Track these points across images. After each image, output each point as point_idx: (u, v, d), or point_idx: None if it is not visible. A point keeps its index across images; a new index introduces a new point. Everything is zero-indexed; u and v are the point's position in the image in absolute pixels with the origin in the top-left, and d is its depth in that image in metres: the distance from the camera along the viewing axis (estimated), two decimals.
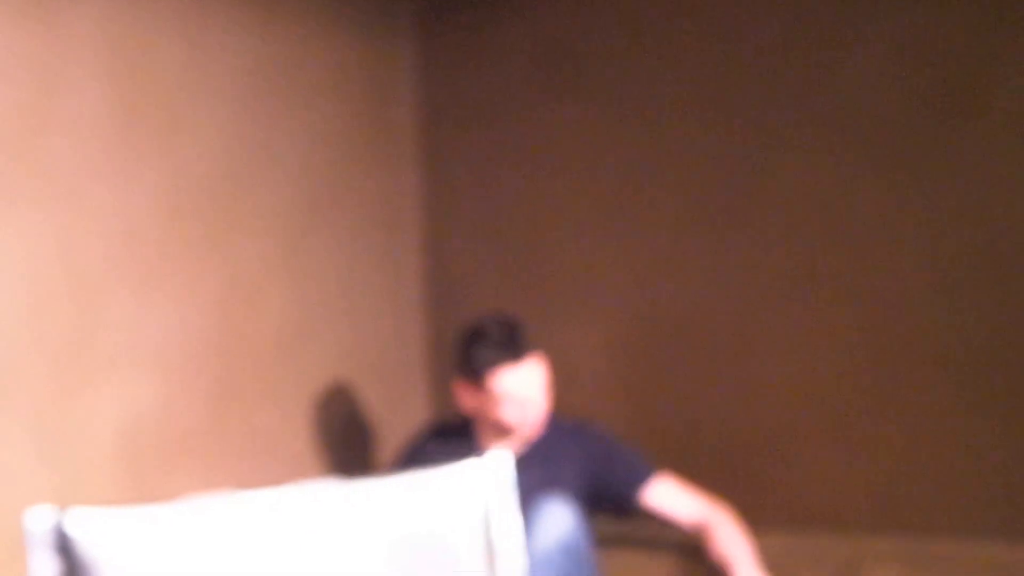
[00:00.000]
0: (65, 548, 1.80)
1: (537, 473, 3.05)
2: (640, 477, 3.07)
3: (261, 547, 1.86)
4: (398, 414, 3.87)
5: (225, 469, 3.18)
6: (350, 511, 1.92)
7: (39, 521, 1.81)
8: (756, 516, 3.44)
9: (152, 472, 2.96)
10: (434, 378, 4.00)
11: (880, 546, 3.20)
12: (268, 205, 3.36)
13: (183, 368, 3.07)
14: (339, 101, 3.65)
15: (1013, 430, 3.18)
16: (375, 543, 1.91)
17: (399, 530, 1.93)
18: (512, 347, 2.98)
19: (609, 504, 3.11)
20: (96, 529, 1.80)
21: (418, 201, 4.01)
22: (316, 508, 1.91)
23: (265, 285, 3.34)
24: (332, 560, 1.89)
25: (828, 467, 3.41)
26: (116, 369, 2.87)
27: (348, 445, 3.67)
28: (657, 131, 3.63)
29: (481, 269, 3.97)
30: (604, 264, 3.76)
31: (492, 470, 2.02)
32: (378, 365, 3.81)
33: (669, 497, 3.06)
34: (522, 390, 2.99)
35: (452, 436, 3.18)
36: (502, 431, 3.07)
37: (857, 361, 3.37)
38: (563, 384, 3.69)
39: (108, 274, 2.87)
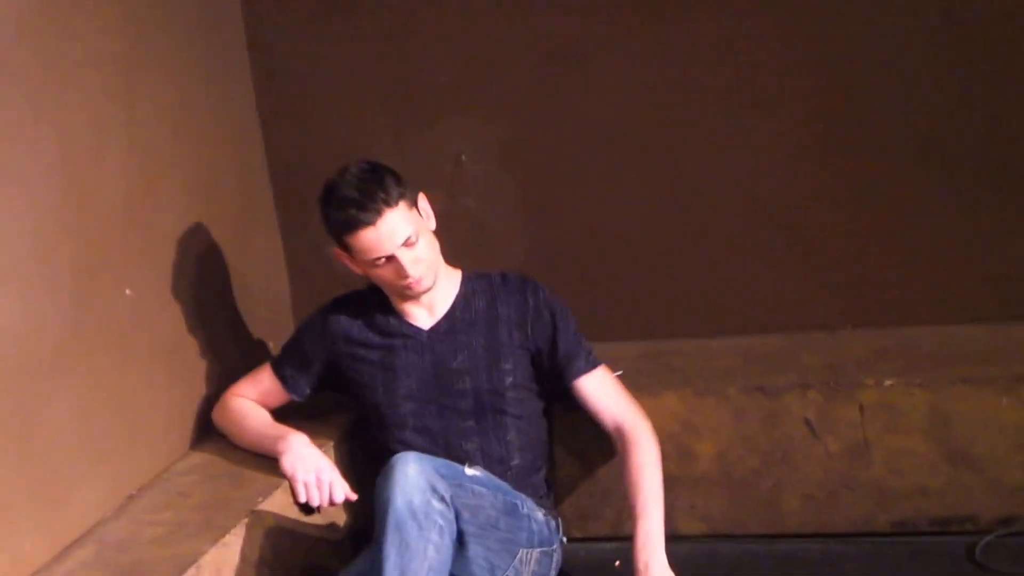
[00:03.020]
0: None
1: (479, 337, 2.75)
2: (581, 366, 2.75)
3: None
4: (253, 256, 3.34)
5: (99, 375, 2.65)
6: None
7: None
8: (710, 324, 3.24)
9: (26, 394, 2.42)
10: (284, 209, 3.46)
11: (860, 345, 3.01)
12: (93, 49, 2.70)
13: (35, 268, 2.50)
14: None
15: (982, 209, 3.02)
16: None
17: None
18: (367, 203, 2.58)
19: (542, 377, 2.80)
20: None
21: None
22: None
23: (103, 148, 2.74)
24: None
25: (781, 270, 3.17)
26: None
27: (213, 303, 3.12)
28: None
29: (337, 70, 3.35)
30: (500, 49, 3.23)
31: None
32: (227, 208, 3.23)
33: (602, 392, 2.76)
34: (386, 249, 2.60)
35: (359, 306, 2.84)
36: (400, 292, 2.72)
37: (805, 151, 3.10)
38: (448, 199, 3.25)
39: None
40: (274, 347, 3.31)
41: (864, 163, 3.07)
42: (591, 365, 2.75)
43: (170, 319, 2.93)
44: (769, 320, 3.17)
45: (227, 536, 2.44)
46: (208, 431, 2.96)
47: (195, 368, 2.99)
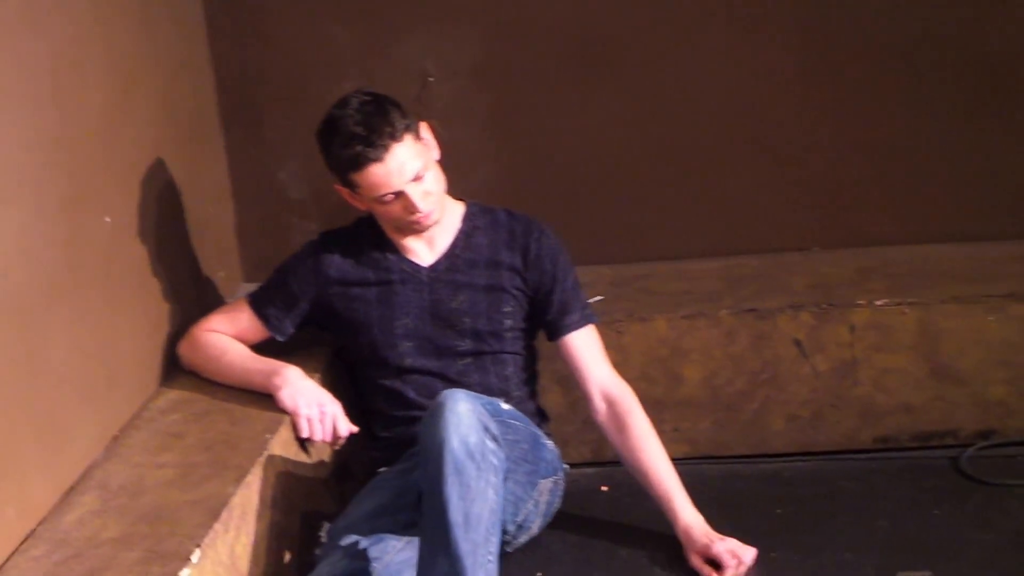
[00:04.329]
0: None
1: (479, 279, 2.66)
2: (574, 320, 2.66)
3: None
4: (201, 180, 3.14)
5: (89, 308, 2.49)
6: None
7: None
8: (682, 247, 3.22)
9: (29, 330, 2.25)
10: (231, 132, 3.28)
11: (840, 265, 3.05)
12: None
13: (31, 194, 2.31)
14: None
15: (956, 128, 3.06)
16: None
17: None
18: (374, 139, 2.47)
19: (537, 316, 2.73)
20: None
21: None
22: None
23: (84, 65, 2.55)
24: None
25: (754, 191, 3.17)
26: None
27: (171, 228, 2.91)
28: None
29: None
30: None
31: None
32: (180, 131, 3.04)
33: (592, 352, 2.66)
34: (395, 185, 2.50)
35: (350, 243, 2.71)
36: (404, 228, 2.61)
37: (779, 68, 3.08)
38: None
39: None
40: (225, 276, 3.17)
41: (839, 77, 3.08)
42: (584, 321, 2.67)
43: (138, 247, 2.74)
44: (741, 242, 3.19)
45: (248, 477, 2.33)
46: (172, 367, 2.81)
47: (160, 299, 2.81)
